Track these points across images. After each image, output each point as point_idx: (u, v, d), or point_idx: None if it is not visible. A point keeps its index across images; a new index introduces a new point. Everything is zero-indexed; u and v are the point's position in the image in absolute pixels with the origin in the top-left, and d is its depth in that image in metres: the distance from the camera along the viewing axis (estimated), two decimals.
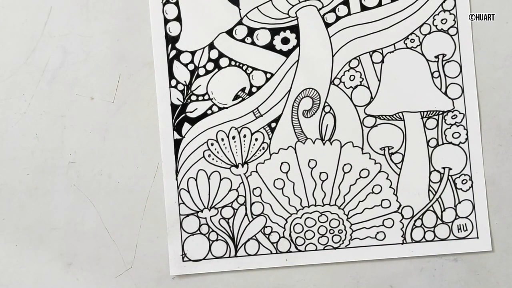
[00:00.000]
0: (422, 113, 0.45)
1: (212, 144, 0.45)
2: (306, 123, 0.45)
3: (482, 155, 0.45)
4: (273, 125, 0.45)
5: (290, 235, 0.45)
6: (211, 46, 0.45)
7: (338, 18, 0.45)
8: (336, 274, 0.45)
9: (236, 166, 0.45)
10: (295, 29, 0.45)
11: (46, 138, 0.45)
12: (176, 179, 0.45)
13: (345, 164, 0.45)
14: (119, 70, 0.45)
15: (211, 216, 0.45)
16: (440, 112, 0.45)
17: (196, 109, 0.45)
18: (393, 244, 0.45)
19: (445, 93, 0.45)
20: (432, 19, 0.45)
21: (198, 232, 0.45)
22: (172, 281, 0.45)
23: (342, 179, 0.45)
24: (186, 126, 0.45)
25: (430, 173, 0.45)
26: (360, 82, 0.45)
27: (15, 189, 0.45)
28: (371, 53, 0.45)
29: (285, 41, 0.45)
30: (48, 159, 0.45)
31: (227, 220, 0.45)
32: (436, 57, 0.45)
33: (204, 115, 0.45)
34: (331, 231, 0.45)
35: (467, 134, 0.45)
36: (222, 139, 0.45)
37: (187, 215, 0.45)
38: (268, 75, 0.45)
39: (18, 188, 0.45)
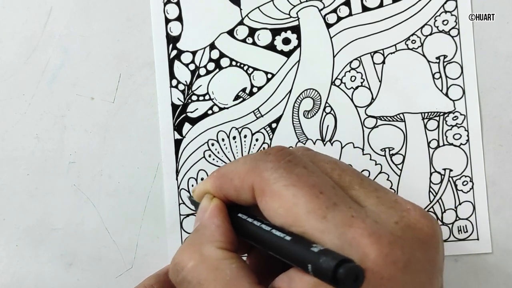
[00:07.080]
0: (423, 114, 0.45)
1: (212, 144, 0.45)
2: (307, 123, 0.45)
3: (483, 157, 0.45)
4: (273, 125, 0.45)
5: None
6: (212, 46, 0.45)
7: (339, 18, 0.45)
8: None
9: None
10: (296, 30, 0.45)
11: (46, 138, 0.45)
12: (177, 179, 0.45)
13: None
14: (119, 70, 0.45)
15: None
16: (441, 114, 0.45)
17: (197, 109, 0.45)
18: None
19: (446, 94, 0.45)
20: (434, 20, 0.45)
21: None
22: None
23: None
24: (187, 126, 0.45)
25: (431, 174, 0.45)
26: (361, 83, 0.45)
27: (15, 189, 0.45)
28: (372, 54, 0.45)
29: (286, 41, 0.45)
30: (49, 159, 0.45)
31: None
32: (437, 58, 0.45)
33: (205, 115, 0.45)
34: None
35: (468, 136, 0.45)
36: (223, 139, 0.45)
37: (188, 215, 0.45)
38: (269, 76, 0.45)
39: (18, 188, 0.45)
